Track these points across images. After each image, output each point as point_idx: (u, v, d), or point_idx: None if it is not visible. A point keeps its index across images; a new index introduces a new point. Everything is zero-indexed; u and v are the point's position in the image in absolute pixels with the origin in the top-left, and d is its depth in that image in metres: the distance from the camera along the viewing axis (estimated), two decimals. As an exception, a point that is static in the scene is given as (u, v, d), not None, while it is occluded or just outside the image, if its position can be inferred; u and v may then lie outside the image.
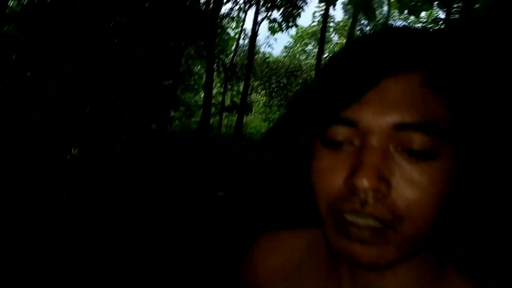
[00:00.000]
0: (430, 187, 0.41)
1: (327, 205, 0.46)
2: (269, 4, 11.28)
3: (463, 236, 0.48)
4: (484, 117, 0.44)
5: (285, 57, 22.37)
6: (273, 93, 18.18)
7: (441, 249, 0.50)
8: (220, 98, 12.75)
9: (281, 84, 18.19)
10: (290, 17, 11.71)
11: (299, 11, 11.60)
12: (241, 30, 13.63)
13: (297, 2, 11.39)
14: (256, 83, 18.31)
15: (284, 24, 11.90)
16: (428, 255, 0.49)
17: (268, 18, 11.81)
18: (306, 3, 11.61)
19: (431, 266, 0.50)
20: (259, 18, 11.34)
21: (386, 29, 0.47)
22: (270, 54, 21.78)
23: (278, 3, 11.37)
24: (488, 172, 0.45)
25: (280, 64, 19.37)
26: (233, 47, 13.98)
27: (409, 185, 0.41)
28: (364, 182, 0.40)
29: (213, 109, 11.48)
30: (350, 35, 11.42)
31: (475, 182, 0.45)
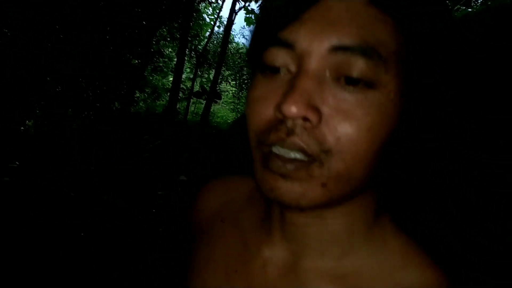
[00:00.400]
0: (365, 120, 0.37)
1: (256, 136, 0.42)
2: (248, -6, 11.12)
3: (404, 184, 0.46)
4: (435, 47, 0.40)
5: (258, 50, 22.21)
6: (244, 85, 18.09)
7: (380, 196, 0.47)
8: (189, 84, 12.49)
9: (252, 77, 18.09)
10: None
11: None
12: (217, 17, 13.37)
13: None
14: (227, 73, 18.11)
15: (261, 16, 11.79)
16: (364, 204, 0.46)
17: (246, 9, 11.65)
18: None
19: (365, 216, 0.47)
20: (237, 7, 11.17)
21: None
22: (244, 45, 21.62)
23: (257, -6, 11.24)
24: (436, 111, 0.42)
25: (253, 56, 19.22)
26: (207, 34, 13.70)
27: (342, 116, 0.37)
28: (291, 109, 0.37)
29: (180, 94, 11.22)
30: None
31: (421, 122, 0.42)
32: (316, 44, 0.38)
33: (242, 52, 18.80)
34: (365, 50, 0.36)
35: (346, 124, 0.37)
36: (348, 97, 0.38)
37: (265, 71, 0.42)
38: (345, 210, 0.45)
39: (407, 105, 0.40)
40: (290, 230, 0.48)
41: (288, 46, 0.39)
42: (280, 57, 0.40)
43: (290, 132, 0.38)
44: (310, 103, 0.37)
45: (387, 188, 0.47)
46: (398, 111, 0.39)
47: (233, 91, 18.91)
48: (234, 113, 17.31)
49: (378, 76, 0.37)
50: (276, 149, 0.39)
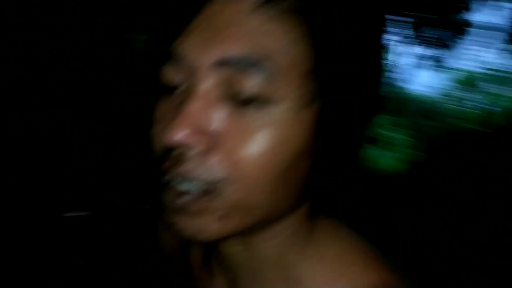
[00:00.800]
0: (265, 140, 0.33)
1: (156, 164, 0.38)
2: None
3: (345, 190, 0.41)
4: (347, 50, 0.35)
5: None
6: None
7: (314, 207, 0.43)
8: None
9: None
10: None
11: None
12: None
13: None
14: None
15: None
16: (294, 221, 0.42)
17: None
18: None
19: (297, 233, 0.43)
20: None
21: None
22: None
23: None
24: (358, 120, 0.38)
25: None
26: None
27: (238, 138, 0.33)
28: (173, 136, 0.33)
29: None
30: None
31: (342, 132, 0.37)
32: (202, 58, 0.33)
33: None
34: (255, 63, 0.32)
35: (243, 147, 0.33)
36: (244, 117, 0.33)
37: (163, 89, 0.38)
38: (270, 233, 0.41)
39: (320, 116, 0.36)
40: (223, 260, 0.45)
41: (178, 60, 0.35)
42: (174, 74, 0.36)
43: (180, 161, 0.34)
44: (198, 126, 0.33)
45: (322, 199, 0.43)
46: (308, 124, 0.35)
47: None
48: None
49: (275, 91, 0.33)
50: (168, 180, 0.35)
